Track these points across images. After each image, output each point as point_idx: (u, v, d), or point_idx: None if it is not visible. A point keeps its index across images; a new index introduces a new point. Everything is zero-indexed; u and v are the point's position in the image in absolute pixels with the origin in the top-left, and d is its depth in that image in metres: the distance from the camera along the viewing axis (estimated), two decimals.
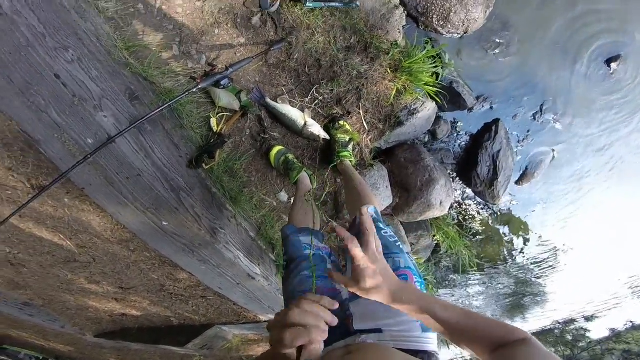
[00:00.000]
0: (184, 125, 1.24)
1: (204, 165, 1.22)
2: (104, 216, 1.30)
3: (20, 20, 0.91)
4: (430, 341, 0.66)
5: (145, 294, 1.81)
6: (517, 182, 2.13)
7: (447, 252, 2.25)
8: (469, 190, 2.11)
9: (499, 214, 2.30)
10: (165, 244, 1.29)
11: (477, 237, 2.31)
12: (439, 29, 1.63)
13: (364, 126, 1.52)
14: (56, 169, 1.05)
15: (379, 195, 1.62)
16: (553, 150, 2.06)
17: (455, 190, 2.08)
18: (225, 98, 1.26)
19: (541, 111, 1.98)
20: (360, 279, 0.52)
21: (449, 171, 1.99)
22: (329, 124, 1.47)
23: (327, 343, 0.51)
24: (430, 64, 1.52)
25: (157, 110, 0.97)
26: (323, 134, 1.37)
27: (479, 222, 2.30)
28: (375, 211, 0.93)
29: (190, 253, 1.32)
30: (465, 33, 1.68)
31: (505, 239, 2.44)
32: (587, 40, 1.84)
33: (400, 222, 1.89)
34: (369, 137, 1.56)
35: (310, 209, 1.17)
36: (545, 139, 2.04)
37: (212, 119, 1.27)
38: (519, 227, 2.38)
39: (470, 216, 2.27)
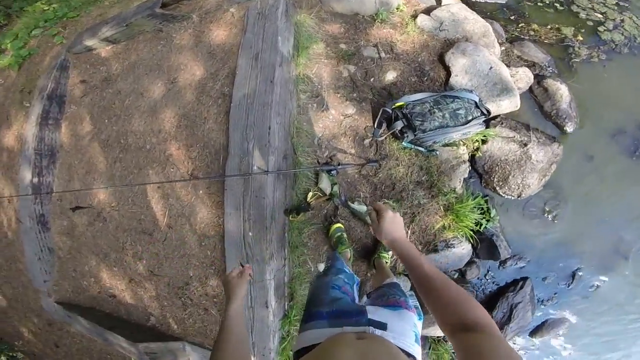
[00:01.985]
0: (294, 186, 2.05)
1: (290, 217, 1.93)
2: (215, 212, 2.03)
3: (272, 90, 2.08)
4: (418, 352, 0.83)
5: (162, 287, 2.21)
6: (530, 334, 2.31)
7: None
8: None
9: None
10: (234, 249, 1.87)
11: None
12: (497, 188, 2.26)
13: None
14: (220, 174, 1.93)
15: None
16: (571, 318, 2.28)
17: None
18: (324, 182, 2.02)
19: (573, 278, 2.26)
20: (383, 212, 0.89)
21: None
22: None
23: (340, 325, 0.83)
24: (478, 213, 2.10)
25: (291, 170, 1.82)
26: None
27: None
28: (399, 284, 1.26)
29: (243, 261, 1.80)
30: (519, 196, 2.26)
31: None
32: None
33: None
34: None
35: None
36: (570, 306, 2.28)
37: (310, 193, 2.03)
38: None
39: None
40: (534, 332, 2.30)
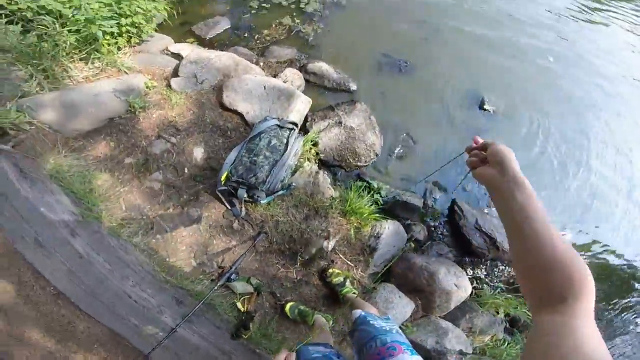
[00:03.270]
0: (219, 312, 1.88)
1: (243, 335, 1.79)
2: None
3: (93, 260, 1.68)
4: None
5: None
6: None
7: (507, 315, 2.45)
8: (487, 263, 2.61)
9: None
10: None
11: None
12: (358, 164, 2.65)
13: (349, 264, 2.22)
14: (139, 352, 1.61)
15: (397, 304, 2.12)
16: None
17: (473, 267, 2.59)
18: (240, 286, 1.93)
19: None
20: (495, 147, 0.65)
21: (453, 258, 2.54)
22: (323, 275, 2.13)
23: None
24: (368, 196, 2.36)
25: (196, 308, 1.62)
26: None
27: None
28: (365, 314, 1.31)
29: None
30: (376, 155, 2.72)
31: None
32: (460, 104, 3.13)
33: (439, 317, 2.24)
34: (359, 269, 2.24)
35: (327, 335, 1.65)
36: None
37: (237, 303, 1.91)
38: None
39: (515, 279, 2.63)
40: None
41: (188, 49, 2.93)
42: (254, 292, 1.94)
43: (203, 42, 3.25)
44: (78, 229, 1.84)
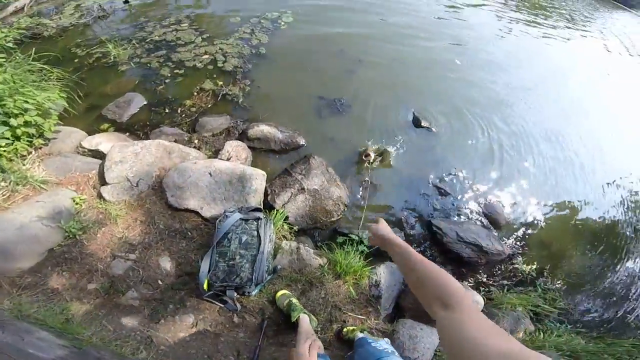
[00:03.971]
0: None
1: None
2: None
3: None
4: None
5: None
6: (496, 227, 2.96)
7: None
8: (484, 267, 2.75)
9: (524, 245, 2.93)
10: None
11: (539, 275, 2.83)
12: (331, 219, 2.66)
13: (360, 318, 2.22)
14: None
15: (423, 336, 2.10)
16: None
17: (473, 276, 2.70)
18: None
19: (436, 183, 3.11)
20: (375, 227, 1.05)
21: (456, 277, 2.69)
22: (340, 336, 2.07)
23: None
24: (352, 252, 2.35)
25: None
26: None
27: (527, 264, 2.81)
28: (365, 337, 1.38)
29: None
30: (346, 206, 2.78)
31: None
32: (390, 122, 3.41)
33: None
34: (372, 319, 2.25)
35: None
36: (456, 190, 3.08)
37: None
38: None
39: (516, 272, 2.78)
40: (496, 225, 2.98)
41: (106, 142, 2.72)
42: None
43: (120, 127, 3.05)
44: None
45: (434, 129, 3.46)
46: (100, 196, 2.33)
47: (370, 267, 2.39)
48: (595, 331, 2.57)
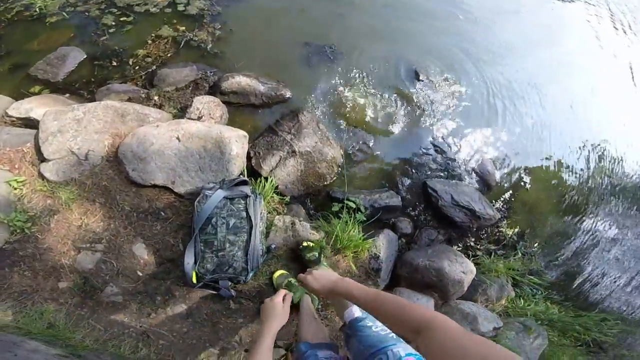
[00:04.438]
0: None
1: None
2: None
3: None
4: None
5: None
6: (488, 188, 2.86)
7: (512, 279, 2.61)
8: (474, 234, 2.71)
9: (510, 208, 2.88)
10: None
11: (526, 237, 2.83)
12: (324, 183, 2.41)
13: None
14: None
15: (424, 305, 2.14)
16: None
17: (462, 239, 2.66)
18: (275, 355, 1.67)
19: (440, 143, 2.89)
20: (308, 275, 1.04)
21: (442, 238, 2.58)
22: (299, 252, 1.96)
23: None
24: (351, 224, 2.13)
25: None
26: None
27: (510, 228, 2.79)
28: (363, 315, 1.17)
29: None
30: (339, 167, 2.49)
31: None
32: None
33: (457, 300, 2.32)
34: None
35: (320, 327, 1.43)
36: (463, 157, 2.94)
37: None
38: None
39: (500, 236, 2.77)
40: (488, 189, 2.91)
41: (40, 107, 2.15)
42: (287, 352, 1.76)
43: (56, 88, 2.46)
44: None
45: (432, 81, 3.12)
46: (42, 176, 1.87)
47: (371, 240, 2.20)
48: (566, 299, 2.69)
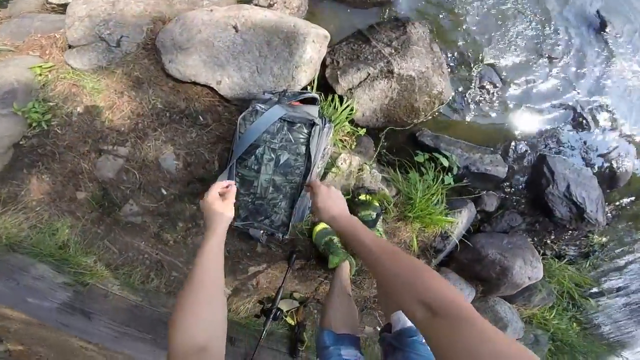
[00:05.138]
0: (278, 339, 1.63)
1: (300, 349, 1.60)
2: None
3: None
4: None
5: None
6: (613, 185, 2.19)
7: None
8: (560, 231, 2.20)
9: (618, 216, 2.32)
10: None
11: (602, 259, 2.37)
12: (413, 121, 1.79)
13: None
14: None
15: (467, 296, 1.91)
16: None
17: (543, 235, 2.17)
18: (285, 305, 1.53)
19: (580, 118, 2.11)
20: (316, 188, 0.88)
21: (524, 227, 2.10)
22: (352, 205, 1.60)
23: None
24: (434, 188, 1.64)
25: (255, 351, 1.28)
26: None
27: (600, 235, 2.30)
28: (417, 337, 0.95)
29: None
30: (442, 104, 1.83)
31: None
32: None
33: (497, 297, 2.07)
34: None
35: (352, 306, 1.24)
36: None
37: (286, 318, 1.61)
38: None
39: (582, 241, 2.29)
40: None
41: None
42: (300, 305, 1.64)
43: None
44: (86, 304, 1.32)
45: (617, 41, 2.17)
46: (67, 63, 1.54)
47: (452, 219, 1.69)
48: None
